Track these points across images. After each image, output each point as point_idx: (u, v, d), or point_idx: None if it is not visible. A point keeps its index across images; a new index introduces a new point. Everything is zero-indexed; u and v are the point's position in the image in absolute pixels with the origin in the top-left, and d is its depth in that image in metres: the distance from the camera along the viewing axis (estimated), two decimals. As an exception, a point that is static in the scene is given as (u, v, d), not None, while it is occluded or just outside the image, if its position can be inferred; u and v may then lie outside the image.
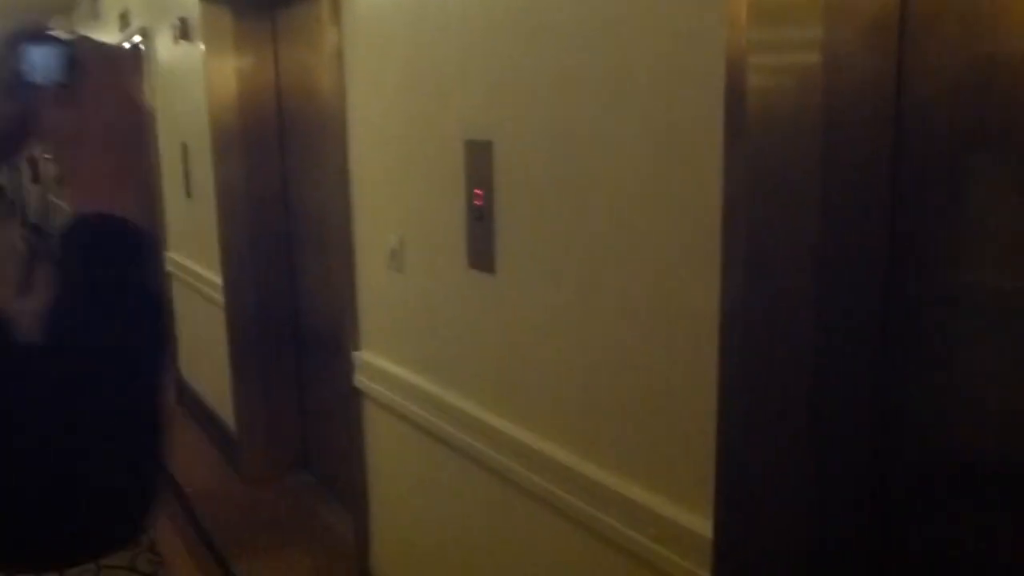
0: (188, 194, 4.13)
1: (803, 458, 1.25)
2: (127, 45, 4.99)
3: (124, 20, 5.17)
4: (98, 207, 0.75)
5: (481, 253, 1.85)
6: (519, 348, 1.75)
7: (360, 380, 2.45)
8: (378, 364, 2.34)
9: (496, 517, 1.89)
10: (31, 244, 12.53)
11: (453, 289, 1.96)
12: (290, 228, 3.61)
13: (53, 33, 0.77)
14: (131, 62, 0.76)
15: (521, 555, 1.82)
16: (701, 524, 1.29)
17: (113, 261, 0.75)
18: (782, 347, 1.22)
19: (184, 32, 3.81)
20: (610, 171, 1.44)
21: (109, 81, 0.78)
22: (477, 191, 1.83)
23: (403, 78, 2.09)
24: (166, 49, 4.24)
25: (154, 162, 4.70)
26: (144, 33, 4.62)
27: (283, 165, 3.58)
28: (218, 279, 3.74)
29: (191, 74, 3.81)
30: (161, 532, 3.01)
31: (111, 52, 0.80)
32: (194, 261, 4.19)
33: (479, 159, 1.82)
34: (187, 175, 4.10)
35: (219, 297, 3.73)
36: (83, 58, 0.77)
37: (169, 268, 4.67)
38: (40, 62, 0.75)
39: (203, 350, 4.24)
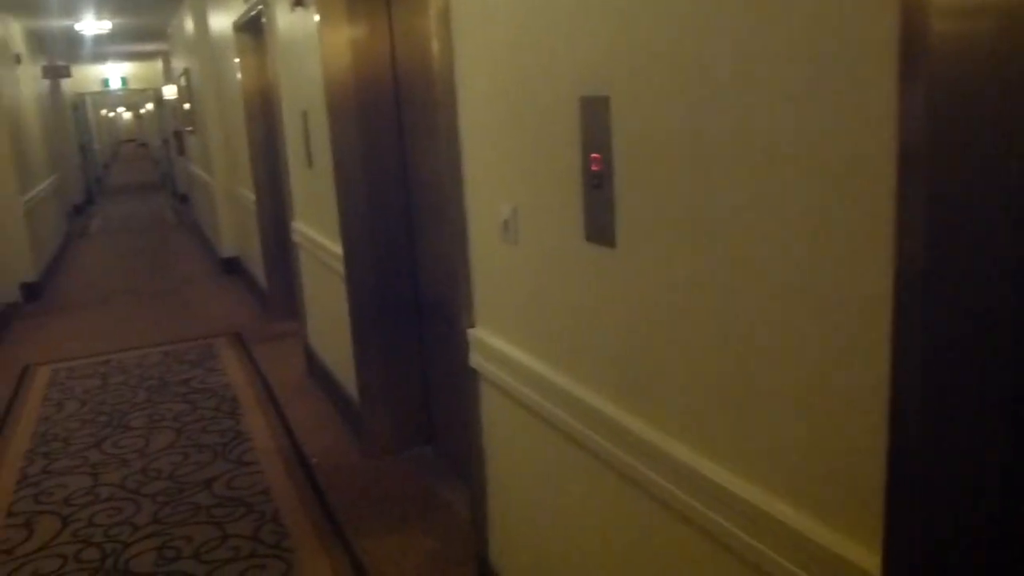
0: (310, 163, 4.09)
1: (999, 479, 1.00)
2: (253, 8, 5.01)
3: (248, -9, 5.19)
4: None
5: (599, 225, 1.65)
6: (643, 333, 1.54)
7: (475, 360, 2.31)
8: (492, 343, 2.19)
9: (617, 519, 1.71)
10: (179, 213, 13.16)
11: (568, 264, 1.77)
12: (408, 197, 3.51)
13: None
14: None
15: (644, 564, 1.63)
16: (866, 557, 1.07)
17: None
18: (973, 335, 0.97)
19: (300, -1, 3.75)
20: (753, 126, 1.20)
21: None
22: (594, 155, 1.63)
23: (512, 33, 1.90)
24: (284, 17, 4.20)
25: (279, 130, 4.71)
26: (265, 2, 4.62)
27: (400, 133, 3.47)
28: (339, 249, 3.69)
29: (308, 42, 3.74)
30: (286, 503, 2.96)
31: None
32: (317, 231, 4.17)
33: (596, 118, 1.61)
34: (308, 144, 4.06)
35: (340, 267, 3.69)
36: None
37: (295, 238, 4.69)
38: None
39: (328, 321, 4.23)
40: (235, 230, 7.80)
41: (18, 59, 8.89)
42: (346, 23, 3.39)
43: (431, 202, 3.28)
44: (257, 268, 6.65)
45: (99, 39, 10.76)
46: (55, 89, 12.51)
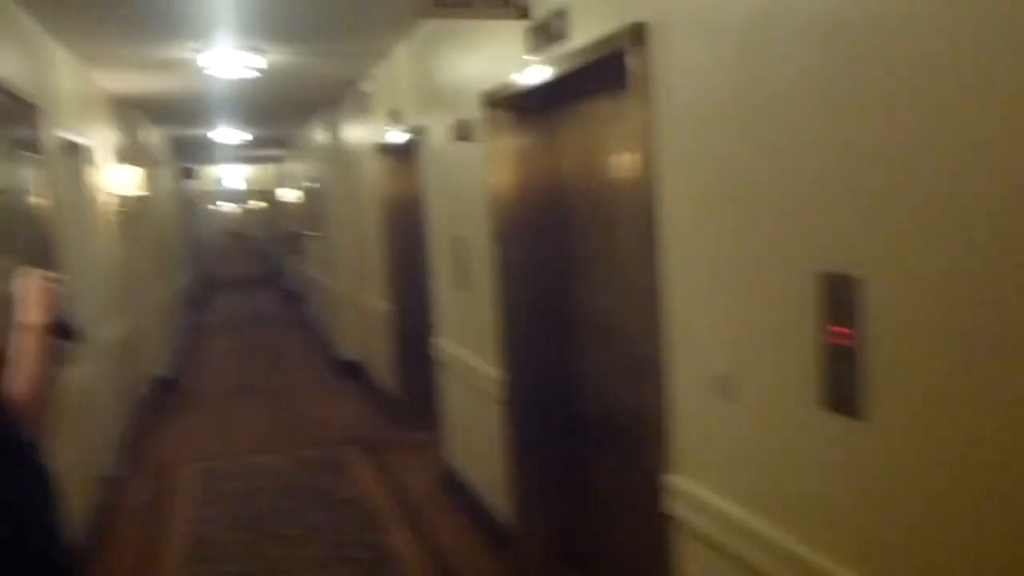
0: (463, 286, 4.25)
1: None
2: (401, 135, 5.31)
3: (394, 116, 5.50)
4: None
5: (841, 395, 1.69)
6: (894, 502, 1.56)
7: (672, 507, 2.34)
8: (697, 493, 2.22)
9: None
10: (289, 310, 13.57)
11: (802, 429, 1.81)
12: (570, 323, 3.60)
13: None
14: None
15: None
16: None
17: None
18: None
19: (464, 133, 3.97)
20: (1046, 332, 1.25)
21: None
22: (836, 328, 1.68)
23: (732, 181, 1.98)
24: (441, 147, 4.44)
25: (426, 253, 4.92)
26: (417, 131, 4.89)
27: (564, 263, 3.59)
28: (490, 370, 3.80)
29: (468, 172, 3.95)
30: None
31: None
32: (468, 352, 4.29)
33: (840, 294, 1.67)
34: (461, 268, 4.23)
35: (491, 388, 3.79)
36: None
37: (438, 355, 4.84)
38: None
39: (474, 439, 4.32)
40: (357, 335, 8.03)
41: (160, 165, 9.55)
42: (512, 155, 3.57)
43: (595, 329, 3.36)
44: (382, 375, 6.82)
45: (230, 145, 11.47)
46: (180, 188, 13.31)
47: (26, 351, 1.58)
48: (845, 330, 1.67)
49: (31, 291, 1.64)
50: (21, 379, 1.54)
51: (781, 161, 1.80)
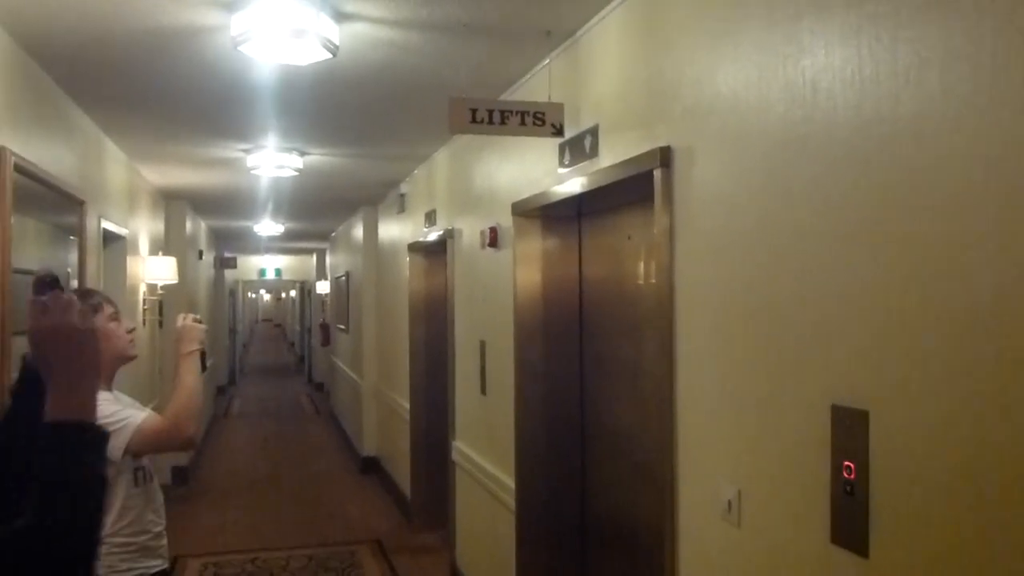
0: (483, 391, 4.25)
1: None
2: (434, 237, 5.42)
3: (430, 219, 5.64)
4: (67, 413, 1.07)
5: (850, 530, 1.66)
6: (904, 656, 1.51)
7: (679, 634, 2.27)
8: (703, 622, 2.16)
9: None
10: (315, 401, 13.54)
11: (810, 563, 1.77)
12: (585, 429, 3.57)
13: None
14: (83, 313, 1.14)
15: None
16: None
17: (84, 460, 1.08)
18: None
19: (493, 241, 4.04)
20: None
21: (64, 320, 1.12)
22: (847, 463, 1.67)
23: (749, 302, 1.99)
24: (471, 251, 4.51)
25: (449, 354, 4.95)
26: (450, 234, 4.99)
27: (581, 376, 3.59)
28: (504, 477, 3.76)
29: (495, 277, 4.00)
30: None
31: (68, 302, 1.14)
32: (484, 457, 4.26)
33: (850, 427, 1.66)
34: (483, 373, 4.24)
35: (505, 496, 3.74)
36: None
37: (455, 457, 4.81)
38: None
39: (484, 546, 4.24)
40: (378, 431, 8.01)
41: (201, 255, 9.80)
42: (539, 263, 3.61)
43: (609, 435, 3.33)
44: (400, 473, 6.77)
45: (270, 237, 11.75)
46: (219, 277, 13.59)
47: (185, 369, 2.42)
48: (852, 464, 1.66)
49: (186, 329, 2.47)
50: (177, 388, 2.39)
51: (797, 286, 1.82)
